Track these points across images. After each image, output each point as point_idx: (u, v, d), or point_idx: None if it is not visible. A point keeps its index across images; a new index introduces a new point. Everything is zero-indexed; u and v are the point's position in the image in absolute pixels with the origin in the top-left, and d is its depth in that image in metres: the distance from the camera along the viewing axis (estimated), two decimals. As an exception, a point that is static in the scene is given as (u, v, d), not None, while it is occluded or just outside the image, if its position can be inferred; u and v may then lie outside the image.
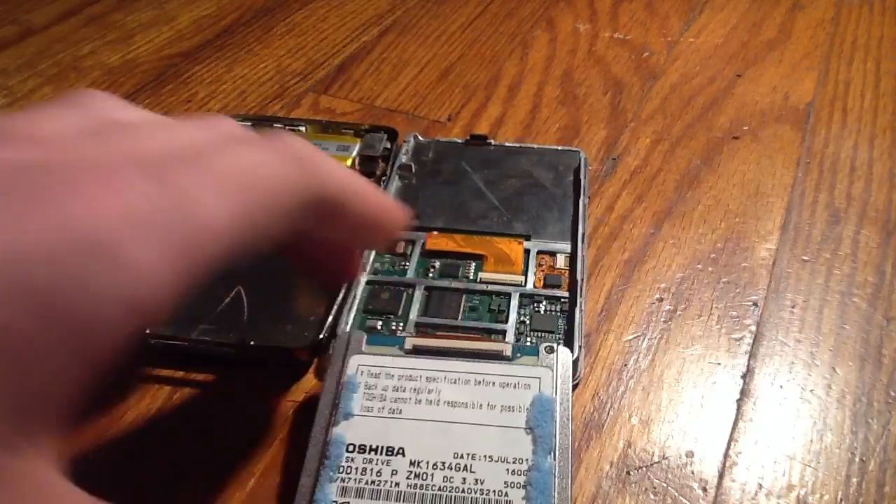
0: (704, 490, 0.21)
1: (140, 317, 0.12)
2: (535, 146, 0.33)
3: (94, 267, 0.12)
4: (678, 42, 0.42)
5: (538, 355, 0.22)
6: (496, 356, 0.22)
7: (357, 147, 0.32)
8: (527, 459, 0.19)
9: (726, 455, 0.22)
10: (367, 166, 0.32)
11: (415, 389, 0.21)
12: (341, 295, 0.26)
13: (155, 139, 0.16)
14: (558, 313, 0.26)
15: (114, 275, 0.12)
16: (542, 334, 0.25)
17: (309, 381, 0.24)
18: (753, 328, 0.26)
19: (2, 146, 0.13)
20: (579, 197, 0.30)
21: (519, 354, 0.22)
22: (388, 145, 0.33)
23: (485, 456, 0.20)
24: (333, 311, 0.25)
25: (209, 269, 0.14)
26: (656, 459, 0.22)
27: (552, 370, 0.21)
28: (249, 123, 0.34)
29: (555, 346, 0.22)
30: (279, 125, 0.34)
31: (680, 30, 0.43)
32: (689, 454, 0.22)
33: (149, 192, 0.13)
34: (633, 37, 0.43)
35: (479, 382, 0.21)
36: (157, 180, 0.13)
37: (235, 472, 0.22)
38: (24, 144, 0.14)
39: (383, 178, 0.31)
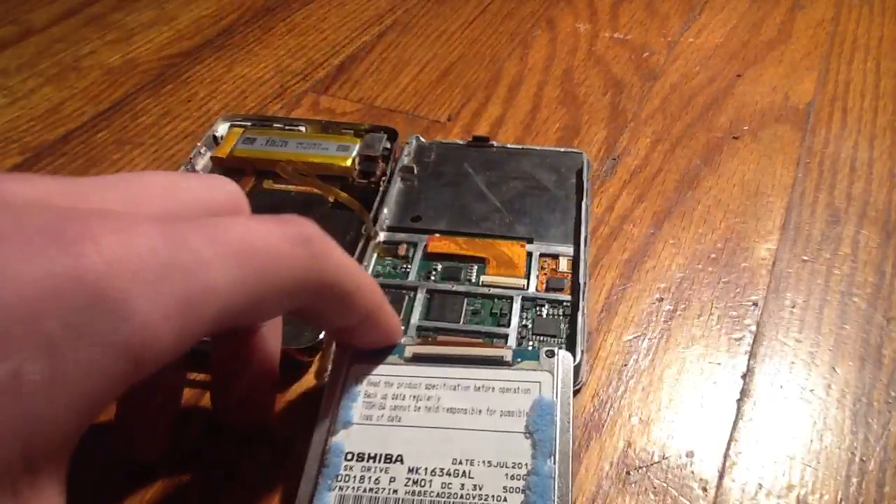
0: (704, 490, 0.21)
1: (139, 368, 0.13)
2: (538, 148, 0.33)
3: (101, 317, 0.12)
4: (678, 42, 0.42)
5: (538, 359, 0.22)
6: (496, 362, 0.22)
7: (357, 147, 0.32)
8: (526, 464, 0.19)
9: (726, 455, 0.22)
10: (367, 166, 0.32)
11: (414, 397, 0.21)
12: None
13: (166, 194, 0.16)
14: (561, 317, 0.26)
15: (118, 327, 0.12)
16: (545, 338, 0.25)
17: (308, 382, 0.24)
18: (753, 328, 0.26)
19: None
20: (582, 199, 0.30)
21: (519, 359, 0.22)
22: (388, 145, 0.33)
23: (484, 461, 0.19)
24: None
25: (207, 330, 0.14)
26: (656, 459, 0.22)
27: (552, 374, 0.21)
28: (250, 123, 0.34)
29: (555, 349, 0.22)
30: (279, 125, 0.34)
31: (680, 30, 0.43)
32: (689, 454, 0.22)
33: (159, 247, 0.13)
34: (633, 37, 0.43)
35: (479, 388, 0.21)
36: (168, 236, 0.13)
37: (235, 472, 0.22)
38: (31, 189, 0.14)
39: (383, 179, 0.31)
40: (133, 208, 0.15)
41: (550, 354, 0.22)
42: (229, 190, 0.18)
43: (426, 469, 0.19)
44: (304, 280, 0.16)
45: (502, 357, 0.22)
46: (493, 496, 0.19)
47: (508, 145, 0.33)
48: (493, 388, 0.21)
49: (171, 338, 0.13)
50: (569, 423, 0.20)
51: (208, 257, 0.14)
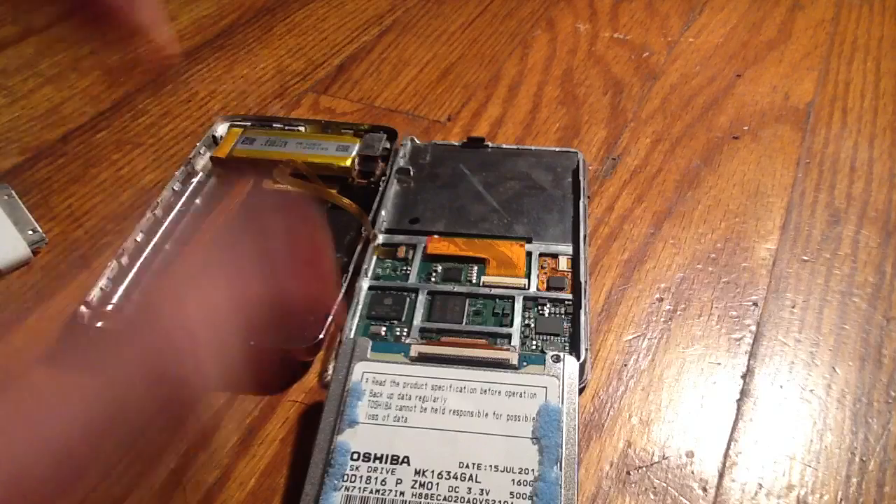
0: (704, 490, 0.21)
1: None
2: (533, 148, 0.33)
3: None
4: (678, 42, 0.42)
5: (544, 364, 0.22)
6: (502, 364, 0.22)
7: (357, 147, 0.32)
8: (533, 470, 0.19)
9: (726, 455, 0.22)
10: (367, 166, 0.32)
11: (420, 398, 0.21)
12: (341, 295, 0.26)
13: None
14: (563, 316, 0.26)
15: None
16: (548, 337, 0.25)
17: (309, 381, 0.24)
18: (753, 328, 0.26)
19: None
20: (579, 198, 0.30)
21: (525, 363, 0.22)
22: (388, 145, 0.33)
23: (490, 465, 0.19)
24: (333, 312, 0.25)
25: None
26: (656, 459, 0.22)
27: (559, 379, 0.21)
28: (249, 123, 0.34)
29: (561, 354, 0.22)
30: (279, 125, 0.34)
31: (680, 30, 0.43)
32: (689, 454, 0.22)
33: None
34: (633, 37, 0.43)
35: (486, 391, 0.21)
36: None
37: (237, 472, 0.22)
38: None
39: (382, 179, 0.31)
40: None
41: (556, 359, 0.22)
42: None
43: (433, 472, 0.19)
44: None
45: (508, 360, 0.22)
46: (500, 501, 0.19)
47: (503, 146, 0.33)
48: (500, 392, 0.21)
49: None
50: (575, 430, 0.20)
51: None
